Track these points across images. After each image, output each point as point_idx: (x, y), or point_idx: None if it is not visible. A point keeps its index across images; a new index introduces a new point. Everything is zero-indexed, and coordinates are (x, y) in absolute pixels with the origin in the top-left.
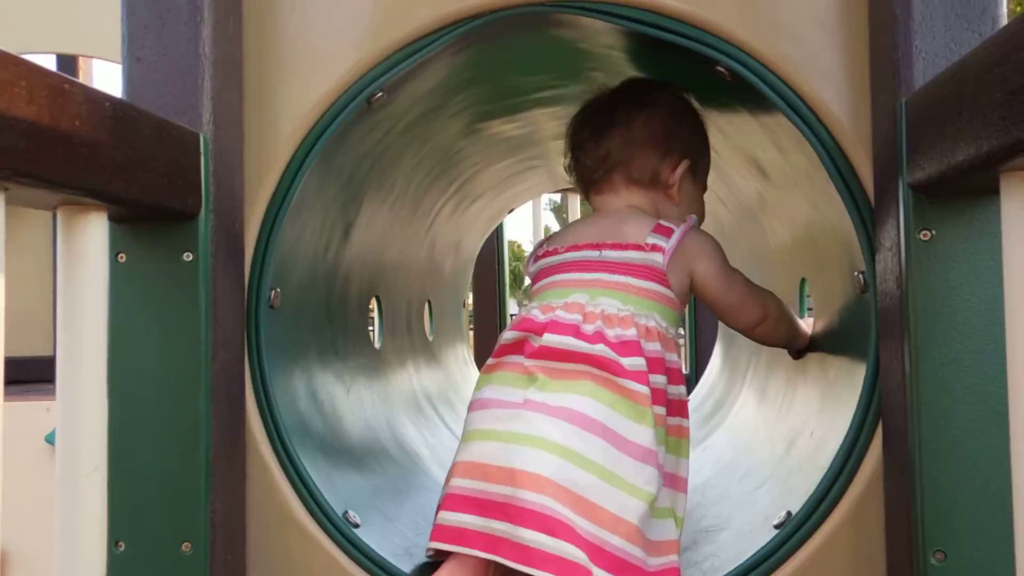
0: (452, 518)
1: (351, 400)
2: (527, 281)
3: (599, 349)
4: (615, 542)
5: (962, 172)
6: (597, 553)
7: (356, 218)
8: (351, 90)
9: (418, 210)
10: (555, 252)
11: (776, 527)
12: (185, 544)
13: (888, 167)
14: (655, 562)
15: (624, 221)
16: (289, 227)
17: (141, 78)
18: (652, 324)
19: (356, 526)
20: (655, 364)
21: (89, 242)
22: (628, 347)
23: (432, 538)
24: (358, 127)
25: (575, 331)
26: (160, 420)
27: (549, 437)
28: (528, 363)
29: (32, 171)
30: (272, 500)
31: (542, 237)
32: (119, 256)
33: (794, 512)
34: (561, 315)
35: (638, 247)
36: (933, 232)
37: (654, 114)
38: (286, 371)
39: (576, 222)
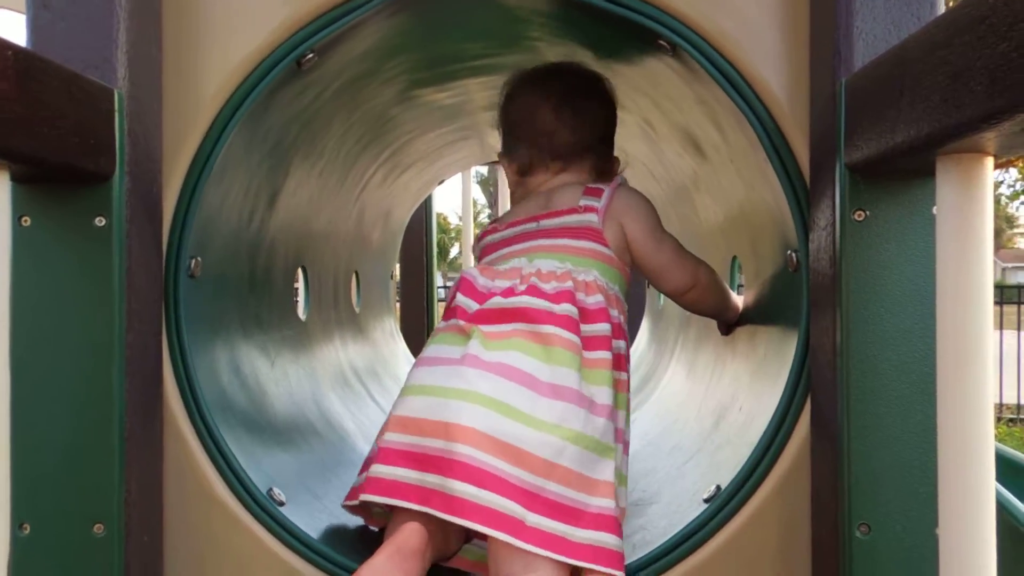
0: (386, 471)
1: (275, 374)
2: (451, 255)
3: (527, 300)
4: (551, 487)
5: (900, 154)
6: (533, 500)
7: (283, 185)
8: (280, 50)
9: (347, 178)
10: (495, 231)
11: (706, 501)
12: (97, 525)
13: (825, 147)
14: (595, 504)
15: (557, 192)
16: (211, 192)
17: (48, 27)
18: (591, 279)
19: (281, 504)
20: (591, 314)
21: None
22: (562, 296)
23: (365, 490)
24: (286, 89)
25: (511, 291)
26: (69, 395)
27: (480, 391)
28: (464, 324)
29: None
30: (192, 478)
31: (472, 211)
32: (22, 219)
33: (723, 486)
34: (500, 283)
35: (573, 210)
36: (867, 212)
37: (607, 113)
38: (207, 344)
39: (519, 203)
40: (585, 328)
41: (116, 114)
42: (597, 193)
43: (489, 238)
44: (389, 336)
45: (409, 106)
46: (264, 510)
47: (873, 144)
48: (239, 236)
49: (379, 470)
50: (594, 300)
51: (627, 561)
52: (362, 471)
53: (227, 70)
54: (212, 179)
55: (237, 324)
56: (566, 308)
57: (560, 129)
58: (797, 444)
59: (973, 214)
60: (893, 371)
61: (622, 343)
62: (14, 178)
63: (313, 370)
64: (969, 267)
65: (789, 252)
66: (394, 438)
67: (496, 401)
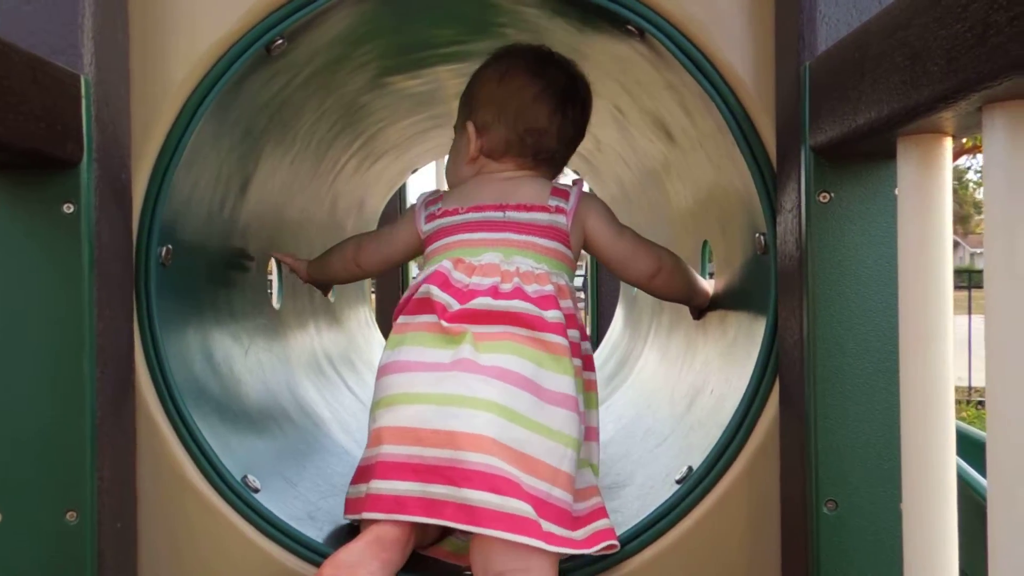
0: (387, 486)
1: (249, 362)
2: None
3: (520, 305)
4: (556, 494)
5: (862, 135)
6: (541, 506)
7: (254, 173)
8: (249, 35)
9: (320, 166)
10: (455, 212)
11: (678, 482)
12: (70, 513)
13: (791, 130)
14: (580, 507)
15: (520, 183)
16: (181, 180)
17: (12, 11)
18: (564, 283)
19: (256, 491)
20: (570, 319)
21: None
22: (547, 301)
23: (367, 508)
24: (256, 76)
25: (494, 291)
26: (39, 384)
27: (486, 397)
28: (449, 325)
29: None
30: (165, 465)
31: (425, 194)
32: None
33: (695, 467)
34: (479, 281)
35: (543, 208)
36: (832, 195)
37: (585, 111)
38: (179, 332)
39: (468, 184)
40: (570, 333)
41: (83, 100)
42: (564, 195)
43: (445, 220)
44: (364, 325)
45: (381, 93)
46: (239, 496)
47: (836, 126)
48: (211, 224)
49: (379, 486)
50: (567, 305)
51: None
52: (356, 480)
53: (195, 56)
54: (182, 166)
55: (210, 312)
56: (555, 315)
57: (550, 132)
58: (766, 425)
59: (933, 193)
60: (858, 350)
61: (588, 345)
62: None
63: (287, 358)
64: (929, 245)
65: (757, 235)
66: (391, 450)
67: (502, 407)
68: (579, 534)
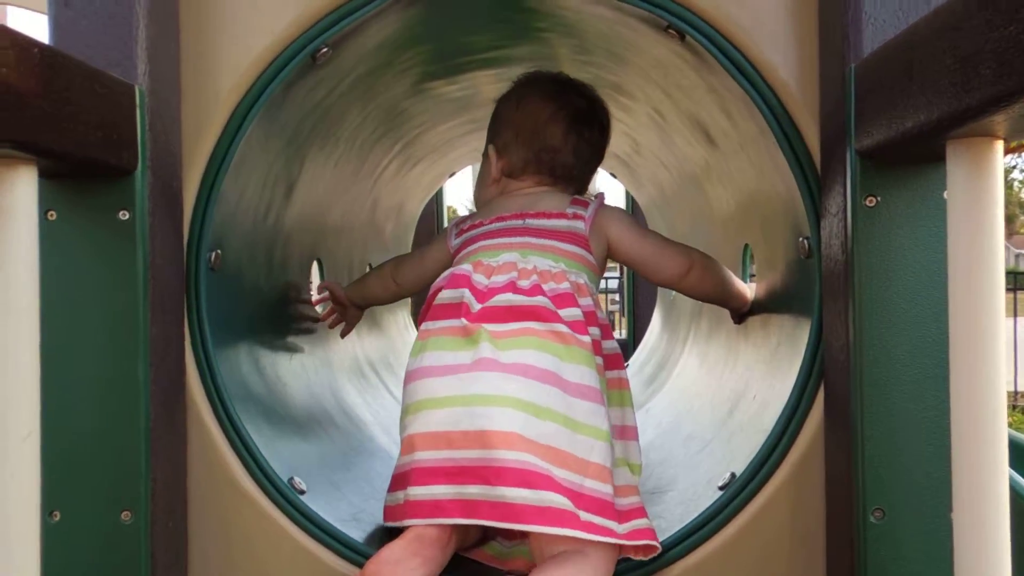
0: (424, 492)
1: (293, 365)
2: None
3: (539, 300)
4: (588, 484)
5: (911, 139)
6: (576, 497)
7: (299, 178)
8: (295, 44)
9: (361, 170)
10: (479, 224)
11: (720, 488)
12: (125, 513)
13: (835, 133)
14: (622, 502)
15: (541, 196)
16: (230, 186)
17: (70, 25)
18: (583, 282)
19: (302, 492)
20: (589, 317)
21: (18, 198)
22: (564, 299)
23: (407, 515)
24: (302, 83)
25: (512, 287)
26: (97, 385)
27: (511, 394)
28: (469, 324)
29: None
30: (215, 467)
31: (458, 218)
32: (48, 213)
33: (738, 473)
34: (497, 279)
35: (562, 215)
36: (879, 198)
37: (604, 132)
38: (227, 335)
39: (494, 201)
40: (589, 330)
41: (138, 109)
42: (583, 204)
43: (470, 232)
44: (403, 328)
45: (421, 99)
46: (285, 498)
47: (883, 130)
48: (257, 229)
49: (416, 492)
50: (587, 303)
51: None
52: (393, 488)
53: (243, 65)
54: (230, 173)
55: (255, 316)
56: (572, 312)
57: (564, 150)
58: (811, 431)
59: (984, 198)
60: (906, 356)
61: (612, 344)
62: (41, 173)
63: (330, 362)
64: (980, 251)
65: (801, 239)
66: (424, 456)
67: (526, 403)
68: (622, 528)
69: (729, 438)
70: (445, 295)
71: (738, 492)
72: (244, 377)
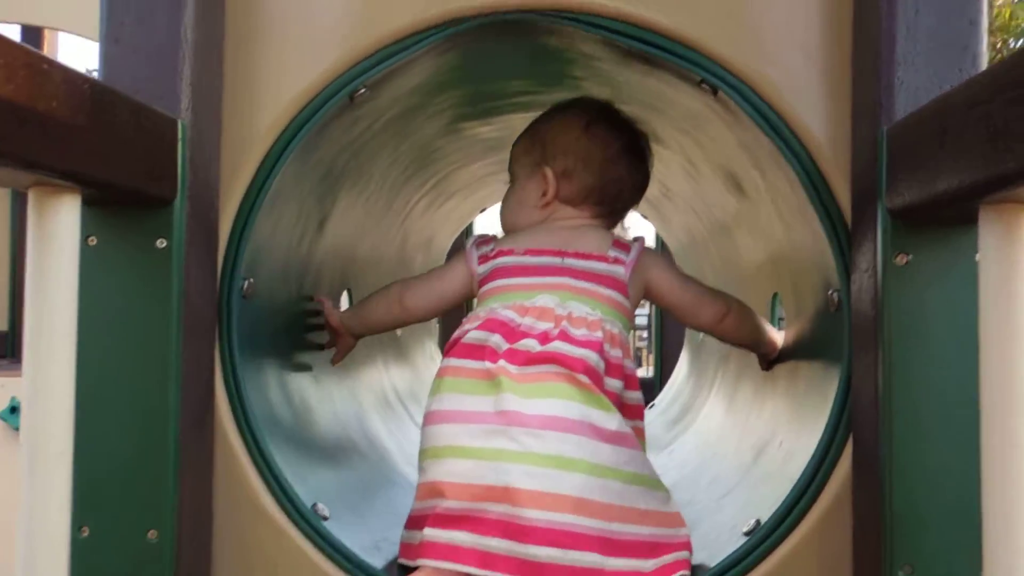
0: (442, 535)
1: (320, 393)
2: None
3: (566, 349)
4: (617, 528)
5: (942, 202)
6: (605, 544)
7: (331, 211)
8: (334, 84)
9: (392, 205)
10: (510, 252)
11: (746, 534)
12: (151, 532)
13: (867, 191)
14: (657, 533)
15: (582, 233)
16: (264, 218)
17: (119, 60)
18: (616, 331)
19: (325, 519)
20: (613, 369)
21: (61, 224)
22: (592, 346)
23: (422, 554)
24: (339, 122)
25: (545, 337)
26: (128, 406)
27: (537, 450)
28: (491, 367)
29: (8, 151)
30: (240, 490)
31: (476, 237)
32: (89, 239)
33: (763, 520)
34: (530, 321)
35: (602, 258)
36: (910, 257)
37: (650, 169)
38: (256, 362)
39: (528, 230)
40: (609, 381)
41: (179, 143)
42: (625, 248)
43: (502, 260)
44: (429, 359)
45: (454, 139)
46: (308, 523)
47: (915, 191)
48: (289, 259)
49: (433, 534)
50: (615, 354)
51: None
52: (410, 526)
53: (283, 103)
54: (265, 206)
55: (285, 344)
56: (597, 363)
57: (628, 183)
58: (838, 482)
59: (1017, 264)
60: (936, 413)
61: (636, 395)
62: (83, 201)
63: (356, 391)
64: (1013, 316)
65: (830, 292)
66: (444, 504)
67: (552, 457)
68: (650, 564)
69: (755, 484)
70: (475, 335)
71: (764, 539)
72: (271, 403)
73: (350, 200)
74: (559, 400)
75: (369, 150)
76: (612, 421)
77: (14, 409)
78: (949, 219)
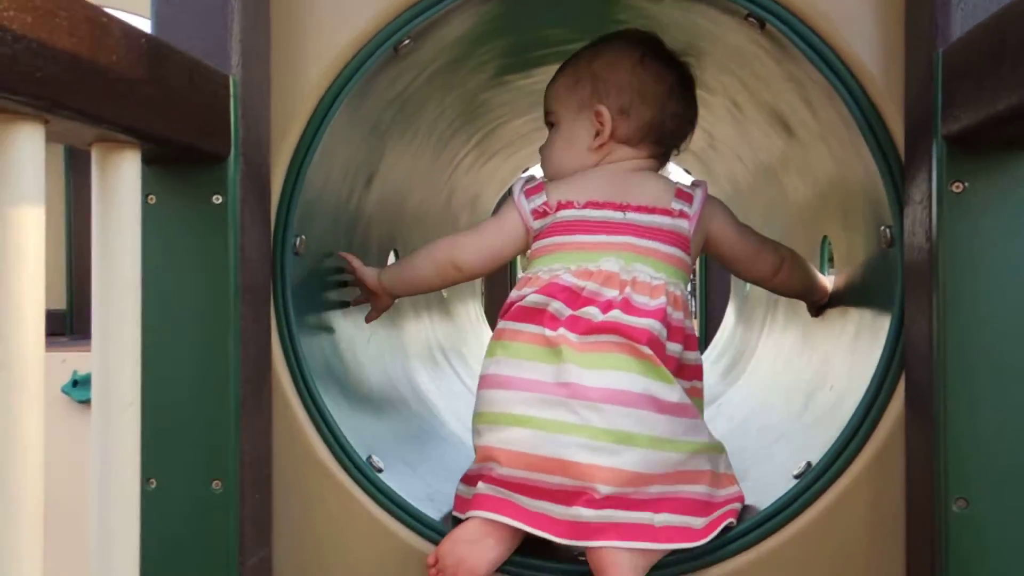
0: (495, 491)
1: (371, 350)
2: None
3: (625, 318)
4: (672, 489)
5: (1001, 121)
6: (659, 504)
7: (379, 167)
8: (379, 36)
9: (438, 160)
10: (570, 206)
11: (796, 477)
12: (216, 482)
13: (921, 119)
14: (714, 493)
15: (642, 180)
16: (315, 174)
17: (170, 18)
18: (679, 292)
19: (380, 471)
20: (675, 332)
21: (123, 179)
22: (655, 314)
23: (477, 507)
24: (384, 74)
25: (608, 304)
26: (191, 361)
27: (596, 424)
28: (551, 334)
29: (72, 103)
30: (298, 443)
31: (522, 182)
32: (149, 197)
33: (814, 463)
34: (593, 286)
35: (666, 212)
36: (966, 184)
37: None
38: (309, 318)
39: (579, 175)
40: (670, 346)
41: (231, 99)
42: (688, 198)
43: (564, 214)
44: (475, 320)
45: (498, 92)
46: (364, 475)
47: (972, 114)
48: (339, 216)
49: (488, 489)
50: (677, 317)
51: (714, 537)
52: (466, 481)
53: (330, 57)
54: (315, 161)
55: (336, 300)
56: (657, 327)
57: (682, 120)
58: (891, 421)
59: None
60: (991, 345)
61: (694, 354)
62: (143, 160)
63: (405, 348)
64: None
65: (883, 228)
66: (500, 470)
67: (613, 432)
68: (700, 522)
69: (804, 430)
70: (535, 299)
71: (814, 481)
72: (325, 358)
73: (397, 155)
74: (621, 372)
75: (414, 103)
76: (674, 393)
77: (76, 383)
78: (1008, 143)
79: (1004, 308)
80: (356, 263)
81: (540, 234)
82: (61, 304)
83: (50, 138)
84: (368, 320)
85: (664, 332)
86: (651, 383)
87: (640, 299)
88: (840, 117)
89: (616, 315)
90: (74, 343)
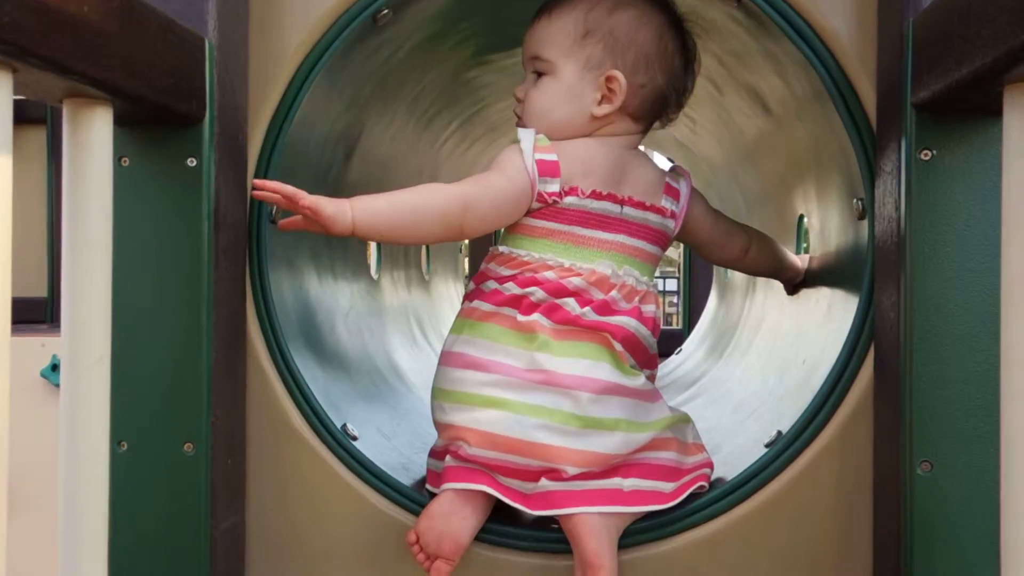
0: (464, 464)
1: (349, 323)
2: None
3: (604, 318)
4: (641, 456)
5: (966, 85)
6: (628, 470)
7: (358, 142)
8: (358, 4)
9: (420, 141)
10: (575, 192)
11: (767, 446)
12: (187, 444)
13: (892, 88)
14: (690, 461)
15: (637, 165)
16: (292, 143)
17: None
18: (653, 288)
19: (354, 439)
20: (647, 322)
21: (95, 136)
22: (632, 312)
23: (446, 479)
24: (363, 45)
25: (589, 301)
26: (163, 324)
27: (568, 410)
28: (523, 319)
29: (41, 52)
30: (271, 408)
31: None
32: (122, 160)
33: (784, 431)
34: (580, 284)
35: (656, 210)
36: (934, 152)
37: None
38: (286, 286)
39: (581, 146)
40: (643, 338)
41: (207, 62)
42: (675, 195)
43: (569, 201)
44: (456, 299)
45: (481, 71)
46: (339, 442)
47: (939, 79)
48: (317, 187)
49: (459, 463)
50: (649, 310)
51: (684, 500)
52: (433, 456)
53: (308, 24)
54: (293, 130)
55: (313, 272)
56: (633, 324)
57: (687, 95)
58: (861, 388)
59: None
60: (957, 311)
61: (654, 342)
62: (116, 121)
63: (383, 323)
64: None
65: (855, 200)
66: (467, 449)
67: (584, 418)
68: (670, 486)
69: (777, 402)
70: (511, 286)
71: (784, 448)
72: (301, 326)
73: (378, 132)
74: (592, 361)
75: (395, 79)
76: (638, 381)
77: (55, 367)
78: (975, 109)
79: (970, 275)
80: (308, 202)
81: (536, 213)
82: (42, 292)
83: (19, 90)
84: (285, 227)
85: (640, 327)
86: (620, 375)
87: (622, 302)
88: (815, 92)
89: (596, 312)
90: (54, 329)
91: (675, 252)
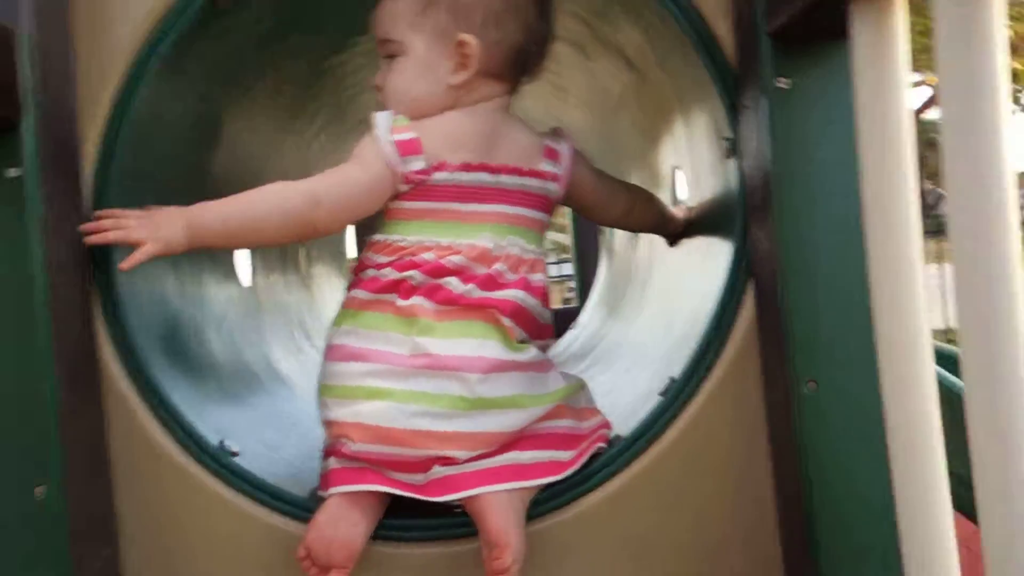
0: (350, 463)
1: (222, 334)
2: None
3: (489, 293)
4: (536, 427)
5: (815, 5)
6: (523, 442)
7: (220, 139)
8: None
9: (286, 141)
10: (442, 167)
11: (661, 395)
12: (38, 488)
13: (748, 22)
14: (586, 425)
15: (508, 128)
16: (139, 141)
17: None
18: (541, 256)
19: (235, 455)
20: (535, 291)
21: None
22: (518, 284)
23: (331, 483)
24: (206, 32)
25: (472, 278)
26: None
27: (454, 393)
28: (403, 303)
29: None
30: (137, 435)
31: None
32: None
33: (676, 377)
34: (461, 262)
35: (536, 174)
36: (791, 80)
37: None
38: (143, 301)
39: (446, 119)
40: (532, 308)
41: (21, 56)
42: (556, 157)
43: (437, 176)
44: (340, 295)
45: (346, 57)
46: (217, 461)
47: (791, 4)
48: (175, 191)
49: (343, 463)
50: (536, 279)
51: (584, 464)
52: (324, 458)
53: (139, 13)
54: (137, 131)
55: (174, 282)
56: (520, 296)
57: (549, 44)
58: (744, 323)
59: (886, 58)
60: (826, 232)
61: (548, 312)
62: None
63: (261, 331)
64: (886, 99)
65: (722, 140)
66: (354, 446)
67: (472, 399)
68: (568, 455)
69: (668, 352)
70: (389, 272)
71: (677, 394)
72: (164, 342)
73: (237, 130)
74: (478, 339)
75: (250, 72)
76: (529, 353)
77: None
78: (827, 32)
79: (835, 198)
80: (125, 212)
81: (408, 195)
82: None
83: None
84: (127, 267)
85: (528, 298)
86: (508, 351)
87: (509, 274)
88: (676, 39)
89: (481, 288)
90: None
91: (568, 237)
